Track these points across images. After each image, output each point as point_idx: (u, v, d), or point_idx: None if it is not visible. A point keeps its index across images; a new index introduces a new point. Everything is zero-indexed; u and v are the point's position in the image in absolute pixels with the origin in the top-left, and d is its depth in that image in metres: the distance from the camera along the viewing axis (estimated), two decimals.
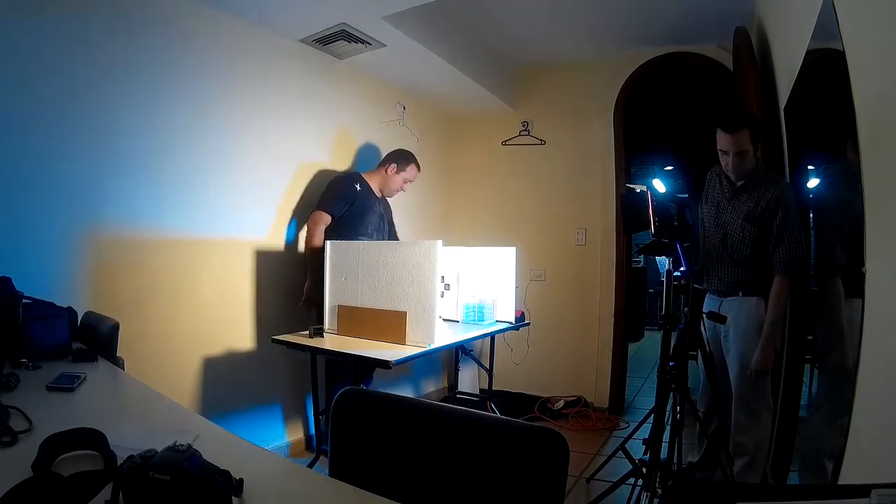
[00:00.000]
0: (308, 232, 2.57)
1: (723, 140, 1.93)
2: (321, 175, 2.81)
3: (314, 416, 2.56)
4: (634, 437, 2.32)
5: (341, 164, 2.98)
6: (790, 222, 1.84)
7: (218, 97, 2.35)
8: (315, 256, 2.48)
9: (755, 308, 1.93)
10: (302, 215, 2.72)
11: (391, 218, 2.91)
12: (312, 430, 2.72)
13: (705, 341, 1.95)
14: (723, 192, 2.07)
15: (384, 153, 3.42)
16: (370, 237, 2.66)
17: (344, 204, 2.59)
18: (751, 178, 1.95)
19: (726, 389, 2.01)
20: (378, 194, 2.76)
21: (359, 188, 2.64)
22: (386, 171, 2.75)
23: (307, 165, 2.80)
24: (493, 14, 2.90)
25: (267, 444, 2.53)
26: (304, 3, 2.32)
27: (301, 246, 2.72)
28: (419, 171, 2.82)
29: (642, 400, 3.73)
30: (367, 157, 3.12)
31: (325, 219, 2.56)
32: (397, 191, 2.80)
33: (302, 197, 2.75)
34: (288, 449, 2.68)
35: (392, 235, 2.89)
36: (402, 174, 2.75)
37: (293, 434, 2.75)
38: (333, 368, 2.57)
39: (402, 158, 2.77)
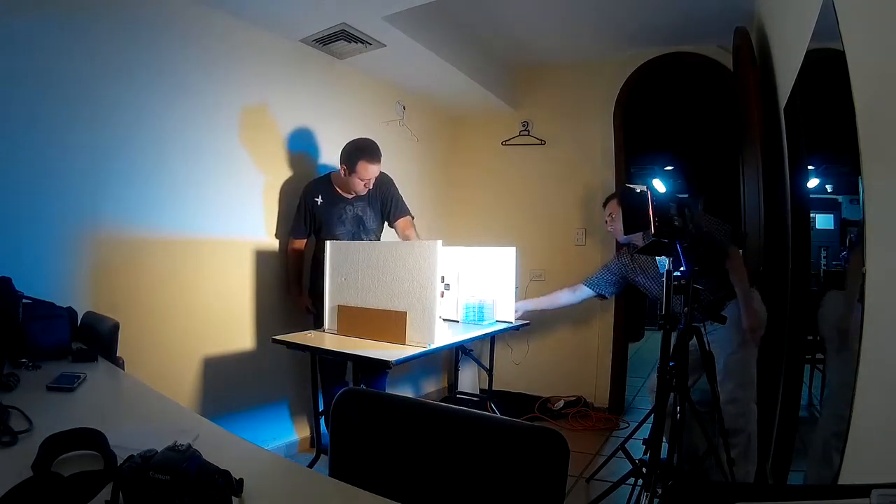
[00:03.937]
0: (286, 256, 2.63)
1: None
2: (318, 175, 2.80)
3: (314, 415, 2.56)
4: (634, 437, 2.32)
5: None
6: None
7: (218, 97, 2.35)
8: (290, 274, 2.63)
9: (734, 306, 2.08)
10: None
11: (384, 210, 2.63)
12: (314, 430, 2.72)
13: (705, 340, 1.94)
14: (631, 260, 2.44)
15: (383, 153, 3.41)
16: None
17: (305, 225, 2.55)
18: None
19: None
20: (350, 195, 2.54)
21: (319, 200, 2.51)
22: (342, 173, 2.47)
23: (307, 165, 2.80)
24: (492, 14, 2.90)
25: (267, 444, 2.54)
26: (304, 3, 2.33)
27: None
28: (376, 161, 2.42)
29: (642, 400, 3.73)
30: None
31: (297, 243, 2.59)
32: (363, 190, 2.49)
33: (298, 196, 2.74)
34: (288, 449, 2.68)
35: (372, 229, 2.60)
36: (355, 175, 2.41)
37: (293, 434, 2.76)
38: (325, 369, 2.53)
39: (349, 158, 2.42)
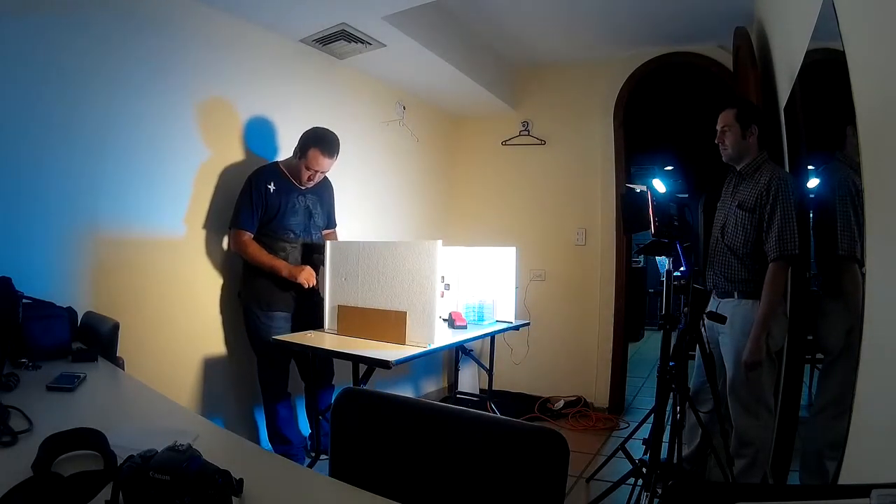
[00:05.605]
0: (240, 254, 2.29)
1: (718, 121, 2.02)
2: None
3: (314, 416, 2.55)
4: (634, 437, 2.32)
5: (341, 163, 2.97)
6: (781, 205, 1.79)
7: (218, 97, 2.35)
8: (265, 259, 2.25)
9: (751, 311, 1.87)
10: None
11: (328, 208, 2.54)
12: (314, 431, 2.71)
13: (705, 341, 1.94)
14: (728, 185, 2.08)
15: (384, 153, 3.40)
16: (295, 241, 2.35)
17: (255, 214, 2.25)
18: (749, 165, 1.95)
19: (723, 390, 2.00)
20: (303, 185, 2.36)
21: (272, 187, 2.27)
22: (294, 156, 2.33)
23: None
24: (492, 14, 2.90)
25: (266, 444, 2.53)
26: (304, 3, 2.32)
27: None
28: (328, 156, 2.28)
29: (642, 400, 3.73)
30: (367, 156, 3.12)
31: (245, 235, 2.26)
32: (307, 181, 2.32)
33: None
34: None
35: (319, 225, 2.47)
36: (304, 162, 2.27)
37: None
38: (266, 383, 2.38)
39: (304, 143, 2.28)
